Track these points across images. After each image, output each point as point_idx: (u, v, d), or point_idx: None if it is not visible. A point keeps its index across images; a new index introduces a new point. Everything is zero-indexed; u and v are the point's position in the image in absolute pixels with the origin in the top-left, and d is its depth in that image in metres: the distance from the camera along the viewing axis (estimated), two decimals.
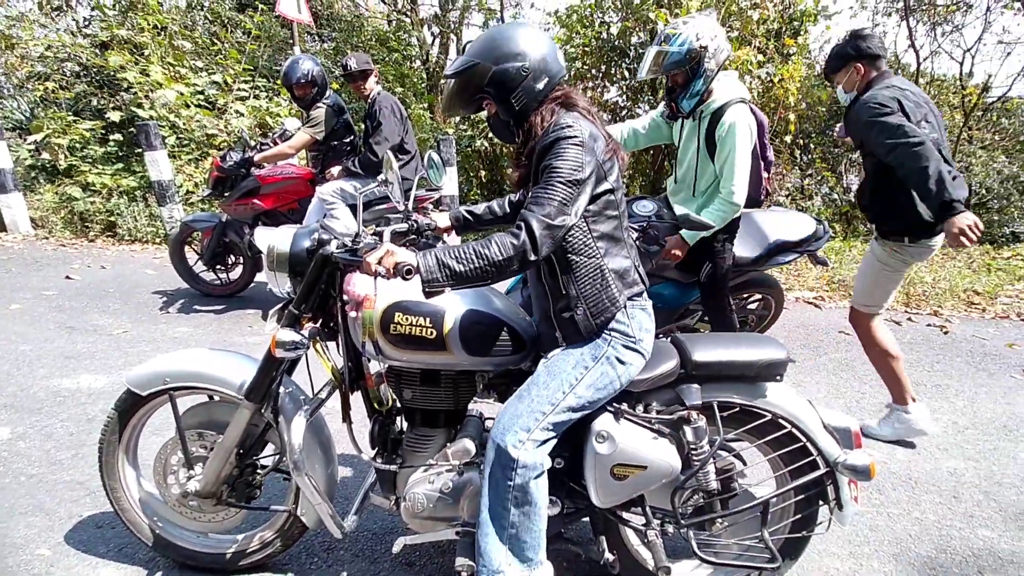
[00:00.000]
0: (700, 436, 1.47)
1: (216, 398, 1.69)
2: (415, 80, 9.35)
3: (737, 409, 1.53)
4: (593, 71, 6.44)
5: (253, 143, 4.13)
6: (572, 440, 1.48)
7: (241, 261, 4.26)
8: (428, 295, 1.27)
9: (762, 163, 2.65)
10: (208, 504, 1.66)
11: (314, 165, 4.21)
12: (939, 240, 2.36)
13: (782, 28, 5.85)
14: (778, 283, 3.27)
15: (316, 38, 10.44)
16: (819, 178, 7.84)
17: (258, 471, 1.70)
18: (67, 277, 4.72)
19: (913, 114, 2.15)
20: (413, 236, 1.71)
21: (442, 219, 1.78)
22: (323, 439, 1.68)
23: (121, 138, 6.74)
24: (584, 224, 1.38)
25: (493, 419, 1.71)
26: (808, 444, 1.53)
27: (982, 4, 9.18)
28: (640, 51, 6.10)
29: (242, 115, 6.88)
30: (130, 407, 1.68)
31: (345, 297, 1.48)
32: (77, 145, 6.54)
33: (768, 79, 5.54)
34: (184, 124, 6.56)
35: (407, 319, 1.43)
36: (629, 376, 1.45)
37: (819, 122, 8.00)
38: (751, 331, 3.27)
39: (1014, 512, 2.16)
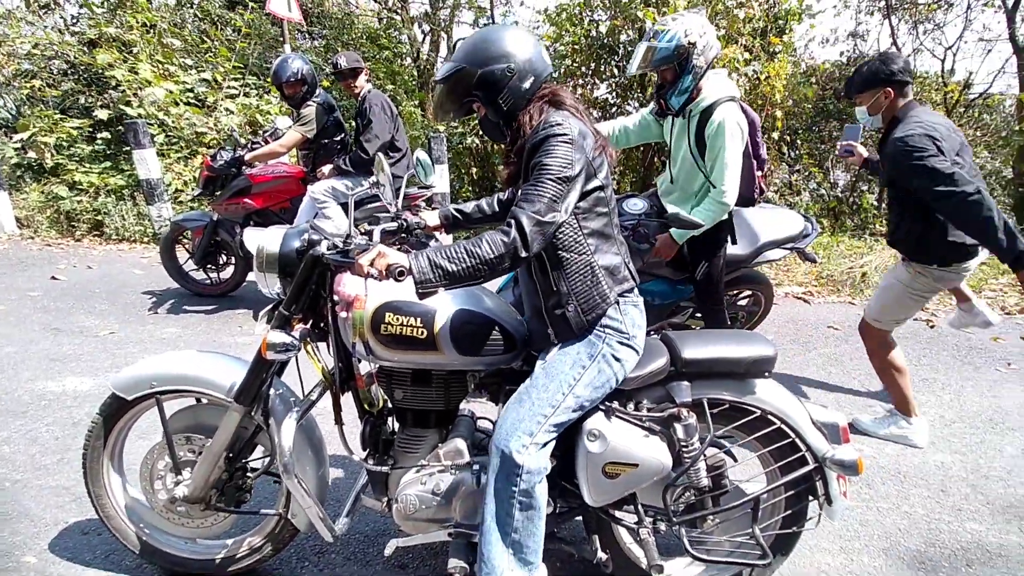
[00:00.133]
0: (691, 433, 1.47)
1: (204, 401, 1.68)
2: (406, 78, 9.29)
3: (727, 406, 1.54)
4: (583, 69, 6.45)
5: (244, 142, 4.09)
6: (564, 439, 1.48)
7: (233, 260, 4.23)
8: (421, 296, 1.27)
9: (755, 162, 2.63)
10: (196, 509, 1.64)
11: (305, 164, 4.19)
12: (974, 263, 2.35)
13: (768, 26, 5.89)
14: (768, 279, 3.29)
15: (307, 36, 10.37)
16: (807, 174, 7.90)
17: (248, 474, 1.68)
18: (53, 277, 4.66)
19: (948, 153, 2.10)
20: (403, 235, 1.70)
21: (432, 218, 1.78)
22: (314, 441, 1.67)
23: (109, 136, 6.66)
24: (574, 221, 1.39)
25: (485, 419, 1.72)
26: (797, 440, 1.54)
27: (963, 2, 9.28)
28: (629, 49, 6.13)
29: (232, 113, 6.82)
30: (115, 412, 1.66)
31: (335, 297, 1.47)
32: (64, 143, 6.46)
33: (755, 76, 5.57)
34: (173, 122, 6.49)
35: (398, 319, 1.42)
36: (624, 373, 1.46)
37: (805, 119, 8.07)
38: (742, 327, 3.29)
39: (1001, 505, 2.19)
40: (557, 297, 1.42)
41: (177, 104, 6.59)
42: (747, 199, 2.65)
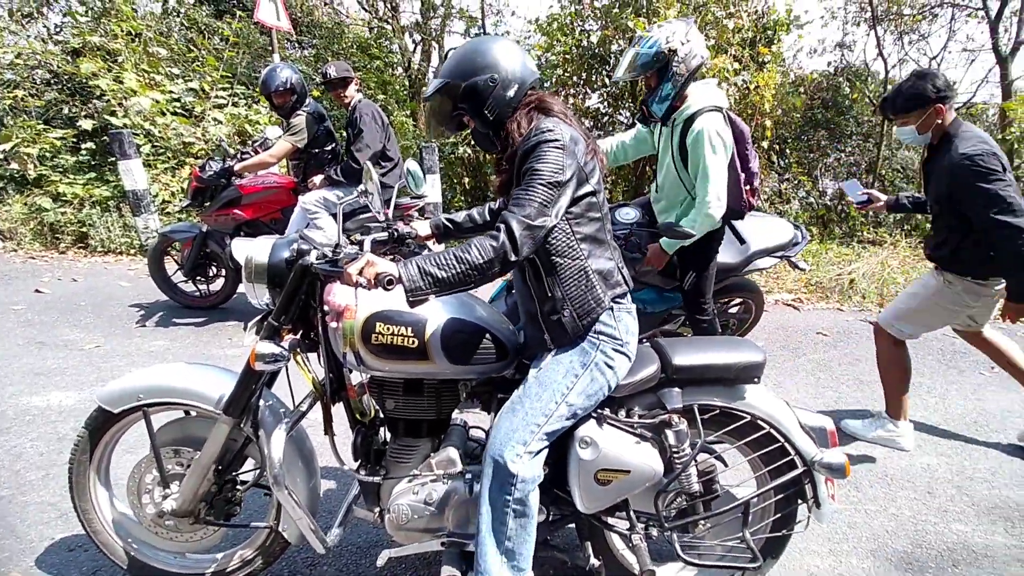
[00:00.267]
0: (682, 439, 1.48)
1: (193, 413, 1.66)
2: (397, 87, 9.32)
3: (717, 411, 1.55)
4: (574, 78, 6.52)
5: (233, 152, 4.08)
6: (556, 447, 1.48)
7: (223, 272, 4.19)
8: (412, 304, 1.27)
9: (742, 175, 2.57)
10: (185, 523, 1.62)
11: (296, 174, 4.18)
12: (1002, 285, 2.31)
13: (756, 37, 5.99)
14: (758, 287, 3.33)
15: (296, 45, 10.37)
16: (796, 182, 8.01)
17: (237, 487, 1.67)
18: (36, 290, 4.59)
19: (1008, 171, 2.12)
20: (395, 245, 1.71)
21: (423, 227, 1.79)
22: (304, 452, 1.66)
23: (93, 147, 6.59)
24: (567, 226, 1.40)
25: (477, 428, 1.72)
26: (786, 444, 1.55)
27: (947, 13, 9.50)
28: (620, 59, 6.18)
29: (220, 123, 6.79)
30: (102, 425, 1.63)
31: (326, 308, 1.47)
32: (47, 154, 6.38)
33: (744, 86, 5.66)
34: (160, 132, 6.44)
35: (388, 329, 1.42)
36: (617, 379, 1.47)
37: (794, 128, 8.20)
38: (733, 334, 3.32)
39: (986, 506, 2.22)
40: (552, 303, 1.43)
41: (164, 114, 6.55)
42: (735, 213, 2.61)
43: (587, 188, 1.39)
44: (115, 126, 6.03)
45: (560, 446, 1.48)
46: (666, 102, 2.40)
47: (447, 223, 1.79)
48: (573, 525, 1.67)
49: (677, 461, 1.48)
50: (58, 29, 7.82)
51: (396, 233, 1.72)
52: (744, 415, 1.55)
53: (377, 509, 1.62)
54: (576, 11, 6.34)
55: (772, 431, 1.55)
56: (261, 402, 1.57)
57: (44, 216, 6.05)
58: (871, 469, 2.46)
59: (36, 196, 6.23)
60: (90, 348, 3.54)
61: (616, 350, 1.45)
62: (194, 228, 4.05)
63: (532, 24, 7.04)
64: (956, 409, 2.98)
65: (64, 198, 6.19)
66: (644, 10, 5.67)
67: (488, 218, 1.80)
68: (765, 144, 6.26)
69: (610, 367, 1.44)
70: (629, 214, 2.85)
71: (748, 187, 2.60)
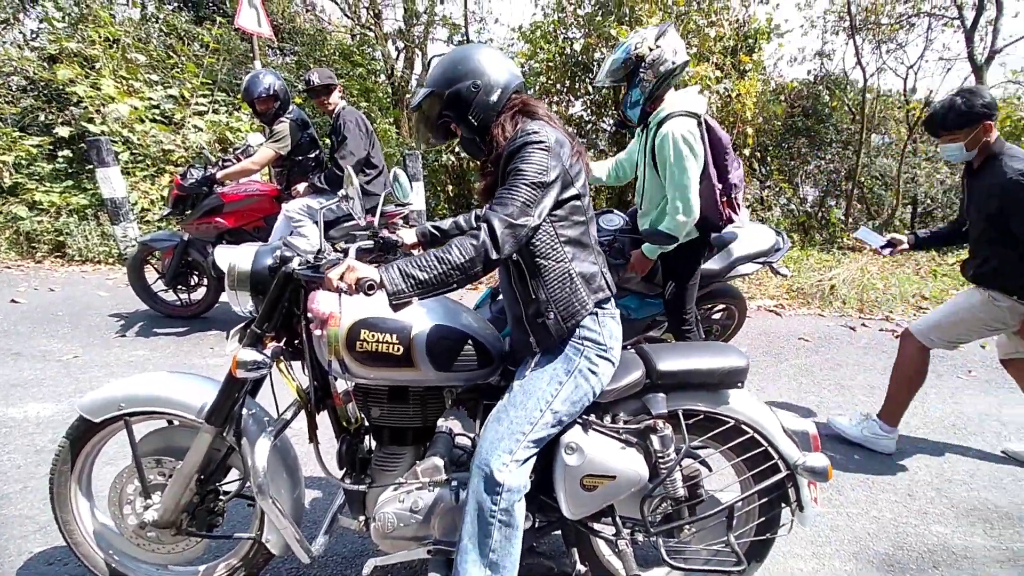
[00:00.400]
0: (667, 444, 1.49)
1: (175, 423, 1.64)
2: (380, 95, 9.31)
3: (701, 416, 1.57)
4: (558, 86, 6.57)
5: (214, 159, 4.03)
6: (542, 453, 1.48)
7: (205, 281, 4.13)
8: (395, 307, 1.26)
9: (719, 185, 2.46)
10: (167, 534, 1.59)
11: (279, 181, 4.14)
12: None
13: (738, 45, 6.09)
14: (741, 293, 3.37)
15: (277, 52, 10.31)
16: (777, 189, 8.14)
17: (220, 497, 1.65)
18: (12, 300, 4.49)
19: None
20: (380, 253, 1.70)
21: (409, 235, 1.78)
22: (289, 461, 1.64)
23: (71, 154, 6.49)
24: (551, 229, 1.40)
25: (463, 435, 1.71)
26: (769, 448, 1.57)
27: (924, 22, 9.74)
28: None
29: (201, 130, 6.72)
30: (83, 435, 1.61)
31: (309, 315, 1.46)
32: (23, 162, 6.26)
33: (726, 94, 5.75)
34: (139, 139, 6.36)
35: (373, 336, 1.42)
36: (602, 385, 1.47)
37: (775, 136, 8.34)
38: (716, 340, 3.35)
39: (965, 508, 2.26)
40: (537, 305, 1.43)
41: (142, 121, 6.47)
42: (711, 225, 2.53)
43: (572, 191, 1.40)
44: (93, 133, 5.93)
45: (546, 452, 1.49)
46: (637, 107, 2.41)
47: (433, 231, 1.79)
48: (559, 531, 1.66)
49: (662, 466, 1.49)
50: (34, 35, 7.71)
51: (382, 241, 1.71)
52: (728, 420, 1.57)
53: (362, 518, 1.60)
54: (559, 19, 6.41)
55: (756, 435, 1.57)
56: (244, 411, 1.55)
57: (20, 225, 5.93)
58: (852, 472, 2.49)
59: (11, 204, 6.09)
60: (68, 359, 3.47)
61: (600, 356, 1.46)
62: (175, 237, 4.00)
63: (515, 32, 7.10)
64: (935, 412, 3.04)
65: (40, 206, 6.07)
66: (627, 18, 5.75)
67: (475, 224, 1.80)
68: (747, 151, 6.36)
69: (594, 373, 1.45)
70: (613, 220, 2.87)
71: (724, 198, 2.49)
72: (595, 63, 6.26)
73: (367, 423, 1.63)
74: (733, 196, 2.50)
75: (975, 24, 8.54)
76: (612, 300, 1.55)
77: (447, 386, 1.56)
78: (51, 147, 6.46)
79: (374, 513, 1.53)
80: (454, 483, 1.54)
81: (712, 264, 2.89)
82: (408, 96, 10.48)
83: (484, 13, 14.58)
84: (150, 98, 6.75)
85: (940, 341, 2.53)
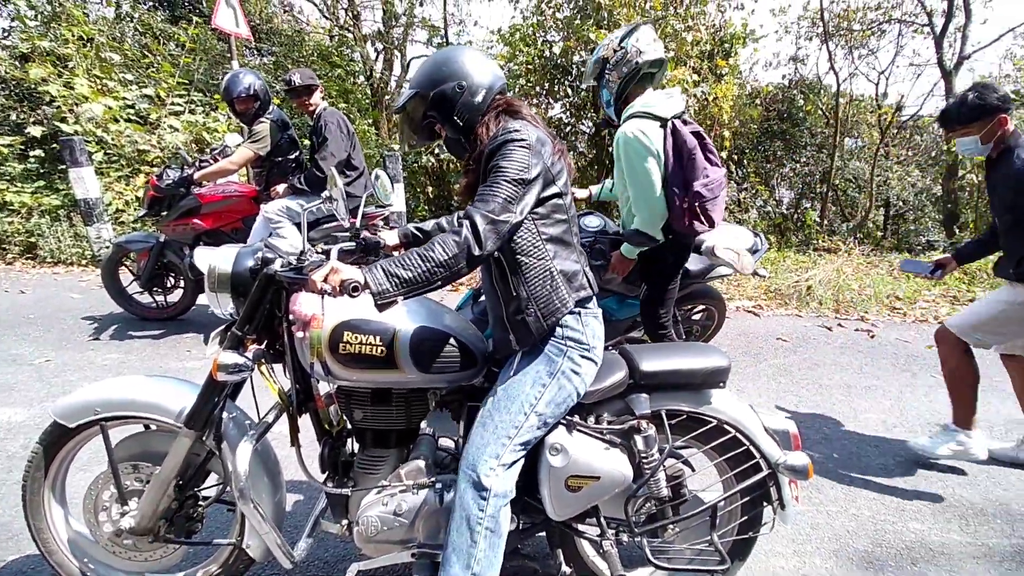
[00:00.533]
0: (650, 444, 1.50)
1: (153, 427, 1.60)
2: (359, 96, 9.25)
3: (684, 416, 1.58)
4: (537, 88, 6.60)
5: (191, 160, 3.96)
6: (526, 455, 1.48)
7: (181, 283, 4.05)
8: (381, 308, 1.25)
9: (676, 190, 2.29)
10: (144, 542, 1.56)
11: (258, 182, 4.08)
12: None
13: (714, 50, 6.19)
14: (720, 294, 3.41)
15: (255, 52, 10.19)
16: (754, 191, 8.27)
17: (199, 503, 1.61)
18: None
19: None
20: (362, 255, 1.69)
21: (391, 237, 1.77)
22: (270, 465, 1.61)
23: (43, 154, 6.33)
24: (533, 226, 1.41)
25: (447, 437, 1.71)
26: (751, 447, 1.59)
27: (894, 29, 10.00)
28: (582, 70, 6.32)
29: (177, 130, 6.60)
30: (56, 440, 1.56)
31: (291, 317, 1.44)
32: None
33: (703, 97, 5.83)
34: (113, 139, 6.23)
35: (356, 338, 1.40)
36: (585, 385, 1.48)
37: (752, 139, 8.48)
38: (697, 340, 3.39)
39: (940, 505, 2.31)
40: (517, 302, 1.43)
41: (117, 120, 6.34)
42: (676, 233, 2.39)
43: (554, 189, 1.41)
44: (66, 133, 5.80)
45: (530, 454, 1.48)
46: (611, 107, 2.45)
47: (416, 232, 1.79)
48: (543, 533, 1.66)
49: (646, 466, 1.50)
50: (6, 34, 7.51)
51: (364, 242, 1.70)
52: (710, 419, 1.58)
53: (345, 522, 1.58)
54: (538, 22, 6.44)
55: (738, 435, 1.58)
56: (224, 414, 1.53)
57: None
58: (831, 470, 2.54)
59: None
60: (40, 363, 3.37)
61: (583, 356, 1.46)
62: (150, 238, 3.92)
63: (495, 34, 7.11)
64: (910, 411, 3.11)
65: (11, 207, 5.92)
66: (605, 22, 5.80)
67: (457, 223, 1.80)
68: (724, 154, 6.46)
69: (577, 373, 1.45)
70: (594, 222, 2.89)
71: (686, 206, 2.29)
72: (574, 66, 6.31)
73: (350, 426, 1.61)
74: (699, 204, 2.28)
75: (944, 30, 8.79)
76: (594, 299, 1.55)
77: (431, 388, 1.55)
78: (23, 147, 6.31)
79: (357, 517, 1.51)
80: (438, 485, 1.53)
81: (691, 265, 2.91)
82: (388, 98, 10.44)
83: (463, 15, 14.61)
84: (125, 98, 6.62)
85: (985, 339, 2.47)
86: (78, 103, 6.19)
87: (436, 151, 6.63)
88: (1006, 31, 9.55)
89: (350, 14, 11.04)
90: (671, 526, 1.58)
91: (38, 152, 6.32)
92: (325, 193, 1.61)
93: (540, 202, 1.39)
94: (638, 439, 1.50)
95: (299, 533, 1.65)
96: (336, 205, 1.62)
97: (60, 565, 1.64)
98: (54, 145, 6.00)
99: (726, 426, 1.58)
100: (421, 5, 11.10)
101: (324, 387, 1.59)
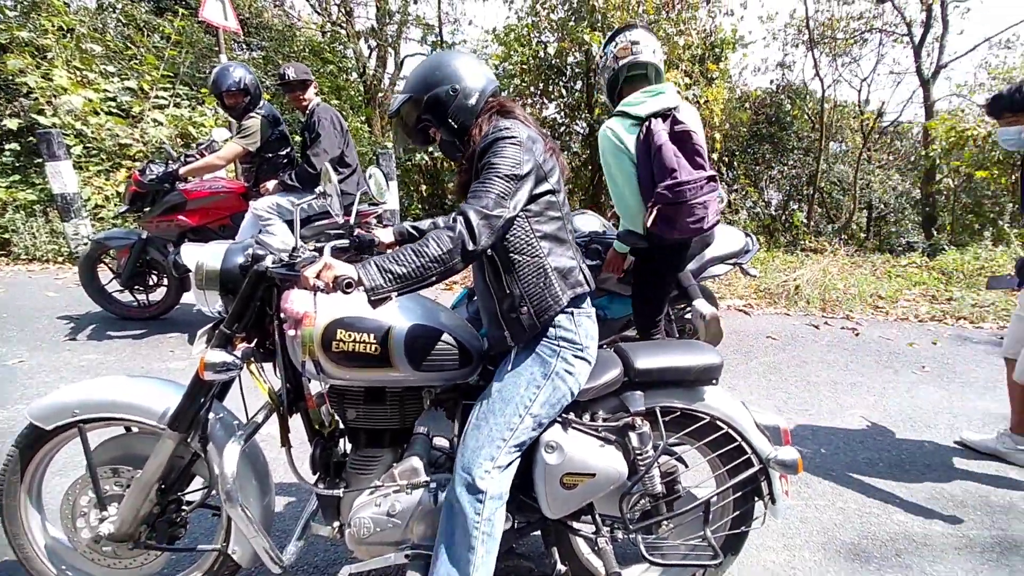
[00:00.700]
0: (645, 441, 1.50)
1: (134, 429, 1.55)
2: (352, 93, 9.17)
3: (678, 413, 1.58)
4: (532, 88, 6.61)
5: (176, 155, 3.88)
6: (522, 453, 1.47)
7: (164, 281, 3.97)
8: (374, 304, 1.23)
9: (644, 192, 2.24)
10: (124, 548, 1.51)
11: (247, 179, 4.01)
12: None
13: (705, 54, 6.24)
14: (712, 294, 3.43)
15: (244, 47, 10.04)
16: (743, 193, 8.37)
17: (183, 508, 1.57)
18: None
19: None
20: (355, 252, 1.66)
21: (386, 235, 1.75)
22: (259, 467, 1.58)
23: (18, 147, 6.17)
24: (526, 224, 1.40)
25: (441, 436, 1.68)
26: (743, 443, 1.60)
27: (875, 38, 10.21)
28: (576, 70, 6.35)
29: (161, 124, 6.48)
30: (33, 443, 1.51)
31: (283, 315, 1.41)
32: None
33: (695, 100, 5.87)
34: (93, 132, 6.09)
35: (350, 336, 1.38)
36: (579, 385, 1.47)
37: (741, 141, 8.58)
38: (690, 339, 3.40)
39: (923, 498, 2.35)
40: (511, 300, 1.42)
41: (97, 113, 6.20)
42: (656, 237, 2.30)
43: (546, 186, 1.41)
44: (43, 125, 5.66)
45: (525, 452, 1.47)
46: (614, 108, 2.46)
47: (411, 230, 1.77)
48: (539, 532, 1.65)
49: (641, 463, 1.50)
50: None
51: (357, 240, 1.68)
52: (704, 416, 1.58)
53: (336, 524, 1.55)
54: (533, 23, 6.43)
55: (730, 431, 1.59)
56: (211, 415, 1.48)
57: None
58: (819, 465, 2.56)
59: None
60: (14, 363, 3.29)
61: (576, 356, 1.46)
62: (132, 235, 3.83)
63: (489, 34, 7.10)
64: (893, 407, 3.15)
65: None
66: (599, 24, 5.82)
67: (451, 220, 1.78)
68: (715, 156, 6.52)
69: (571, 374, 1.45)
70: (589, 222, 2.88)
71: (654, 210, 2.19)
72: (568, 67, 6.33)
73: (342, 426, 1.58)
74: (662, 207, 2.17)
75: (923, 40, 8.99)
76: (588, 299, 1.55)
77: (426, 386, 1.53)
78: None
79: (349, 518, 1.49)
80: (433, 485, 1.50)
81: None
82: (381, 95, 10.36)
83: (458, 14, 14.55)
84: (106, 90, 6.48)
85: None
86: (57, 95, 6.05)
87: (430, 149, 6.59)
88: (982, 41, 9.82)
89: (343, 10, 10.94)
90: (666, 522, 1.58)
91: (13, 145, 6.16)
92: (319, 189, 1.58)
93: (533, 199, 1.39)
94: (633, 436, 1.49)
95: (288, 537, 1.62)
96: (331, 201, 1.59)
97: (37, 572, 1.59)
98: (30, 138, 5.85)
99: (719, 422, 1.59)
100: (415, 3, 11.06)
101: (315, 387, 1.56)
